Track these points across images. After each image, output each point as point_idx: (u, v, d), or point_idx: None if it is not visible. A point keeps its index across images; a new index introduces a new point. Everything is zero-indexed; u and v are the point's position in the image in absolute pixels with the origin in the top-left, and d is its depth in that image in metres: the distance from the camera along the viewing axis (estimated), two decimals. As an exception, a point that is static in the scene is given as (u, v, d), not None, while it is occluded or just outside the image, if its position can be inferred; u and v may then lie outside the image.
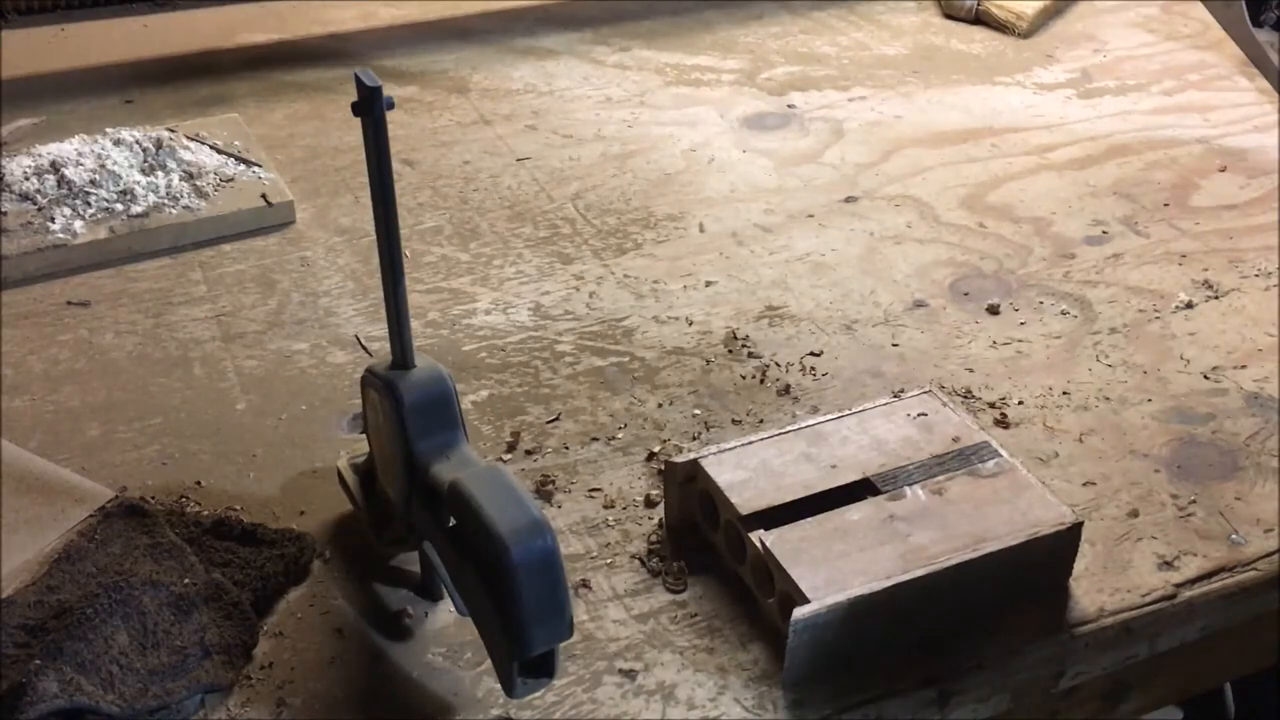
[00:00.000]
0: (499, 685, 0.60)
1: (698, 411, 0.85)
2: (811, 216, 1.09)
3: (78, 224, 1.01)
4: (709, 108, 1.29)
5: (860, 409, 0.77)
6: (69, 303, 0.96)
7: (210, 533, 0.72)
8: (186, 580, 0.67)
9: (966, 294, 0.98)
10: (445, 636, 0.68)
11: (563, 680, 0.65)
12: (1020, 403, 0.86)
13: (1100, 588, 0.71)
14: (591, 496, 0.78)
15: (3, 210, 1.01)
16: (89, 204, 1.03)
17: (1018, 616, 0.69)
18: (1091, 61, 1.41)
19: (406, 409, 0.62)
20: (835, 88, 1.34)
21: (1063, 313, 0.96)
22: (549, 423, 0.84)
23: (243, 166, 1.10)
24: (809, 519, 0.68)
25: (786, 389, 0.87)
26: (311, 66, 1.35)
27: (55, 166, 1.05)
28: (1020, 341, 0.93)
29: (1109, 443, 0.82)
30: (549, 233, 1.07)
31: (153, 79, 1.32)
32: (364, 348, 0.92)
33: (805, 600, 0.64)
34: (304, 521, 0.75)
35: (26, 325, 0.94)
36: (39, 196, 1.03)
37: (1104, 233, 1.07)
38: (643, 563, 0.73)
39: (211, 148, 1.12)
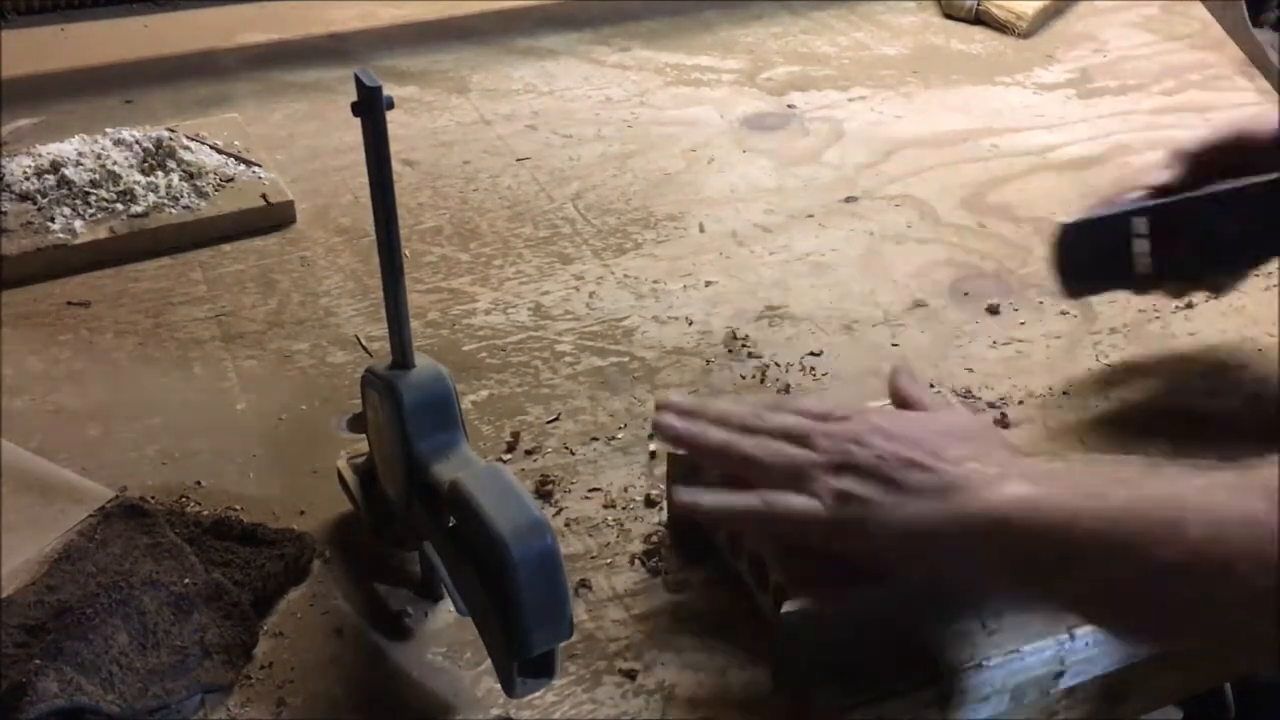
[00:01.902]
0: (499, 685, 0.60)
1: (698, 411, 0.85)
2: (811, 216, 1.09)
3: (78, 224, 1.01)
4: (709, 108, 1.29)
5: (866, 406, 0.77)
6: (69, 303, 0.96)
7: (210, 533, 0.72)
8: (186, 580, 0.67)
9: (966, 294, 0.98)
10: (445, 636, 0.68)
11: (563, 680, 0.65)
12: (1020, 403, 0.86)
13: (1100, 588, 0.71)
14: (591, 497, 0.78)
15: (3, 210, 1.01)
16: (89, 204, 1.03)
17: (1018, 616, 0.69)
18: (1091, 61, 1.41)
19: (406, 409, 0.62)
20: (835, 88, 1.34)
21: (1063, 313, 0.96)
22: (549, 423, 0.84)
23: (243, 166, 1.10)
24: None
25: (786, 389, 0.87)
26: (311, 66, 1.35)
27: (55, 166, 1.05)
28: (1020, 341, 0.93)
29: (1109, 443, 0.82)
30: (549, 233, 1.07)
31: (153, 79, 1.32)
32: (364, 348, 0.92)
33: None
34: (304, 521, 0.75)
35: (26, 325, 0.94)
36: (39, 196, 1.03)
37: (1104, 233, 1.07)
38: (643, 563, 0.73)
39: (211, 148, 1.12)
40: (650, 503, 0.77)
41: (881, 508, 0.62)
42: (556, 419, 0.84)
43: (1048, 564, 0.60)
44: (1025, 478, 0.62)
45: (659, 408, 0.71)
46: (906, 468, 0.63)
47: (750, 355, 0.91)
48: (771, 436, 0.67)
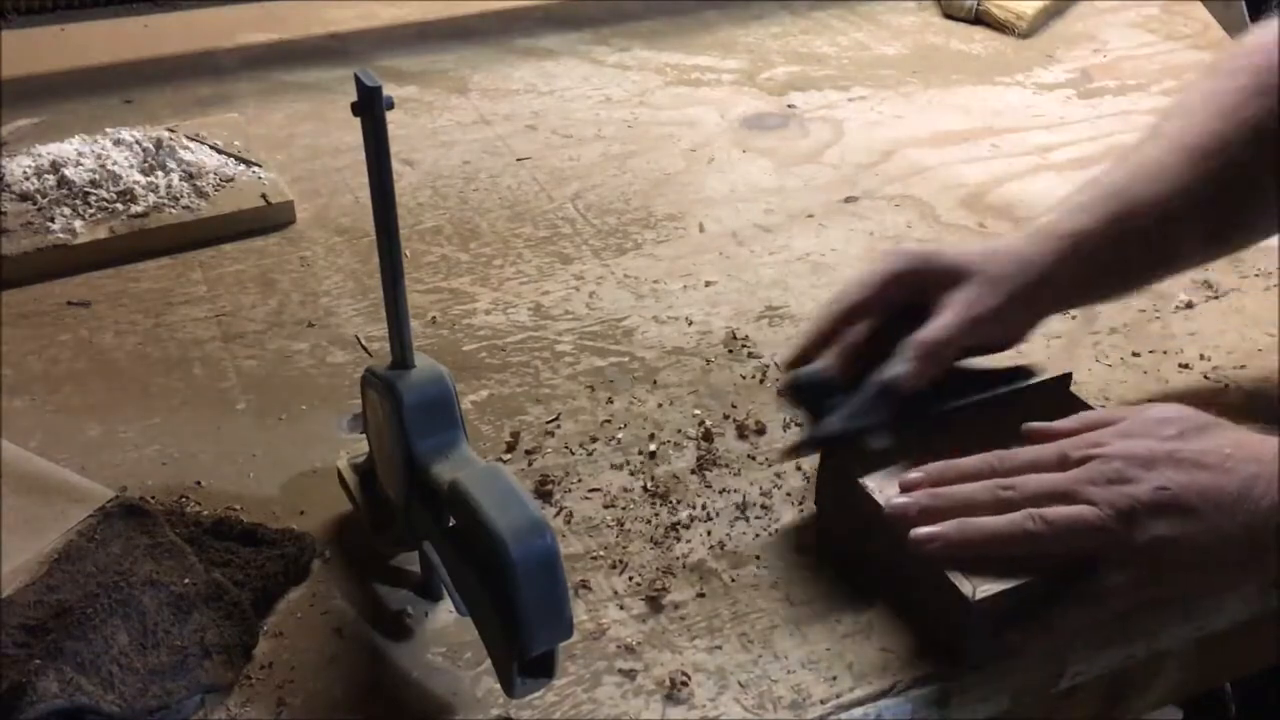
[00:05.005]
0: (499, 685, 0.60)
1: (697, 411, 0.85)
2: (811, 216, 1.09)
3: (78, 224, 1.01)
4: (709, 108, 1.29)
5: None
6: (69, 303, 0.96)
7: (210, 533, 0.72)
8: (186, 580, 0.67)
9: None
10: (445, 636, 0.68)
11: (563, 680, 0.65)
12: (1020, 403, 0.86)
13: (1100, 588, 0.71)
14: (591, 497, 0.78)
15: (3, 210, 1.01)
16: (89, 204, 1.03)
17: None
18: (1091, 61, 1.41)
19: (406, 409, 0.62)
20: (835, 88, 1.34)
21: (1063, 313, 0.96)
22: (549, 423, 0.84)
23: (243, 166, 1.10)
24: None
25: (786, 389, 0.87)
26: (311, 66, 1.35)
27: (55, 166, 1.05)
28: (1020, 341, 0.92)
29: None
30: (549, 233, 1.07)
31: (153, 79, 1.32)
32: (364, 348, 0.92)
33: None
34: (304, 521, 0.75)
35: (26, 325, 0.94)
36: (39, 196, 1.03)
37: (1104, 233, 1.07)
38: (643, 563, 0.73)
39: (211, 148, 1.12)
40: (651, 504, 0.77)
41: (1192, 538, 0.63)
42: (556, 419, 0.84)
43: None
44: None
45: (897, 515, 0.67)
46: (1190, 491, 0.63)
47: (750, 355, 0.91)
48: (1030, 503, 0.65)
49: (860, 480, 0.70)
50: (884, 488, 0.69)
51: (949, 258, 0.78)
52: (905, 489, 0.68)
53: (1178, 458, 0.65)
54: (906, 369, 0.73)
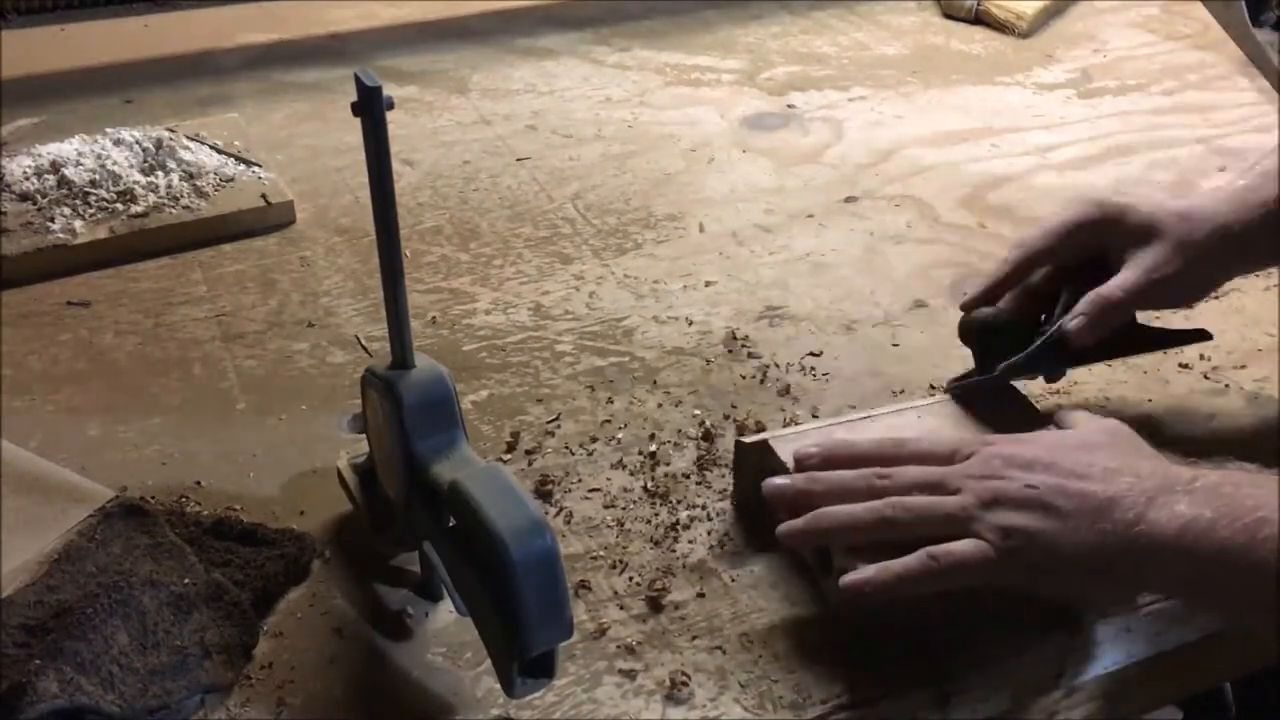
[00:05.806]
0: (499, 685, 0.60)
1: (697, 411, 0.85)
2: (811, 216, 1.09)
3: (78, 224, 1.01)
4: (709, 108, 1.29)
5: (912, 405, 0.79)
6: (69, 303, 0.96)
7: (210, 533, 0.72)
8: (186, 580, 0.67)
9: (966, 294, 0.98)
10: (445, 636, 0.68)
11: (563, 680, 0.65)
12: (1020, 403, 0.86)
13: (1100, 588, 0.71)
14: (591, 497, 0.78)
15: (3, 210, 1.01)
16: (89, 204, 1.03)
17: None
18: (1091, 61, 1.41)
19: (406, 409, 0.62)
20: (835, 88, 1.34)
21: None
22: (549, 423, 0.84)
23: (243, 166, 1.10)
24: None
25: (786, 389, 0.87)
26: (311, 66, 1.35)
27: (55, 166, 1.05)
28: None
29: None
30: (549, 233, 1.07)
31: (153, 79, 1.32)
32: (364, 348, 0.92)
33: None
34: (304, 521, 0.75)
35: (26, 325, 0.94)
36: (39, 196, 1.03)
37: (1104, 233, 1.07)
38: (643, 563, 0.73)
39: (211, 148, 1.12)
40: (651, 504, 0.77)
41: (1046, 535, 0.63)
42: (556, 419, 0.84)
43: (1222, 584, 0.61)
44: (1188, 495, 0.62)
45: (766, 490, 0.70)
46: (1057, 492, 0.64)
47: (750, 355, 0.91)
48: (901, 492, 0.66)
49: (770, 443, 0.74)
50: (786, 452, 0.73)
51: (1141, 214, 0.79)
52: (797, 462, 0.71)
53: (1059, 465, 0.65)
54: (1080, 324, 0.76)
